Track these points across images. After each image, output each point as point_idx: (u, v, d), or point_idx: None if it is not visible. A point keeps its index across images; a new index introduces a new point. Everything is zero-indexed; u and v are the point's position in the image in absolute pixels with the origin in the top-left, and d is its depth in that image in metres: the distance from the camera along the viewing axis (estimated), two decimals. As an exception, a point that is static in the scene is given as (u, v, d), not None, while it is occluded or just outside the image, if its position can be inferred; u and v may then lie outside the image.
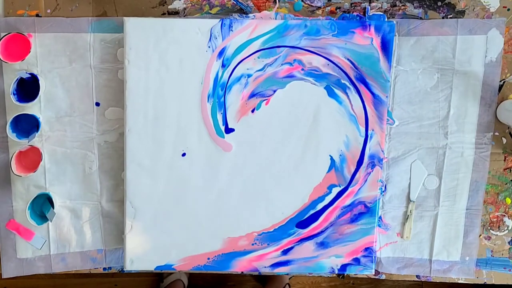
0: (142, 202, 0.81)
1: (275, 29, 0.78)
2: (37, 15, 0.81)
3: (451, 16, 0.80)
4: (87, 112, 0.82)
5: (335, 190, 0.81)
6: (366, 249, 0.82)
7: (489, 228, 0.84)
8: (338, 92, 0.79)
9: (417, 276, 0.85)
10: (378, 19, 0.79)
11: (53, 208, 0.81)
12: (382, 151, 0.80)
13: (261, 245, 0.83)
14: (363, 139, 0.80)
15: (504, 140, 0.82)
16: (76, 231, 0.85)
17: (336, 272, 0.83)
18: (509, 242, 0.84)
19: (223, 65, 0.79)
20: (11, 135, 0.79)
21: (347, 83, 0.79)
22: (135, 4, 0.81)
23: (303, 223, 0.82)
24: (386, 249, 0.84)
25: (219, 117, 0.80)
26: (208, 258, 0.83)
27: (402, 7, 0.80)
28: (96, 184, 0.84)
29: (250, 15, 0.80)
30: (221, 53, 0.79)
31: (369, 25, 0.77)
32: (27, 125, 0.82)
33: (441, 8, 0.80)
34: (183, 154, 0.80)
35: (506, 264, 0.85)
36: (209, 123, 0.80)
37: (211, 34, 0.78)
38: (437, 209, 0.83)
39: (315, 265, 0.83)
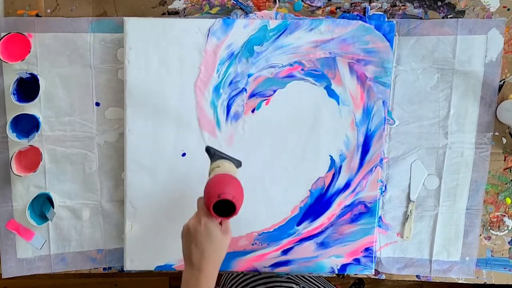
0: (142, 202, 0.81)
1: (275, 29, 0.78)
2: (37, 15, 0.81)
3: (451, 16, 0.80)
4: (87, 112, 0.82)
5: (335, 190, 0.81)
6: (366, 249, 0.82)
7: (489, 228, 0.84)
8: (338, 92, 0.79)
9: (417, 276, 0.85)
10: (378, 19, 0.79)
11: (53, 208, 0.81)
12: (383, 151, 0.81)
13: (261, 245, 0.83)
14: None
15: (504, 140, 0.82)
16: (76, 231, 0.84)
17: (336, 272, 0.83)
18: (509, 242, 0.84)
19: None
20: (11, 135, 0.79)
21: (347, 83, 0.79)
22: (135, 4, 0.81)
23: (303, 219, 0.82)
24: (386, 249, 0.84)
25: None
26: (208, 258, 0.83)
27: (402, 7, 0.80)
28: (96, 184, 0.83)
29: (250, 15, 0.80)
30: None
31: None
32: (27, 125, 0.82)
33: (441, 8, 0.80)
34: (183, 154, 0.80)
35: (506, 264, 0.84)
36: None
37: (211, 34, 0.78)
38: (437, 209, 0.83)
39: (315, 265, 0.83)
